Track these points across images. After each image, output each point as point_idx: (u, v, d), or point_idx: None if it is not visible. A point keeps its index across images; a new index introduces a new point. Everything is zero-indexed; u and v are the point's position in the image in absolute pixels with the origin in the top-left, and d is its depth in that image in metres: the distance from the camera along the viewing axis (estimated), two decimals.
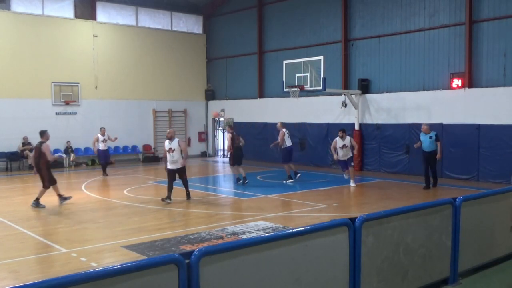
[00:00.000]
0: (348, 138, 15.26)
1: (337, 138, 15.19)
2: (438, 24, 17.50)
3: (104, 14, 23.97)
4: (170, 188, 12.50)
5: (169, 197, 12.48)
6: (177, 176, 12.70)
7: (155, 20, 25.66)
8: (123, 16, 24.63)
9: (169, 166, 12.53)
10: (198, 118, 26.82)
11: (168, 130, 13.06)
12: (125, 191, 14.56)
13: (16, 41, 21.08)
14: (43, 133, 12.22)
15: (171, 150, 12.45)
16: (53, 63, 21.91)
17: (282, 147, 16.40)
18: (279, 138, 16.47)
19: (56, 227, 10.05)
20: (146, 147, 24.79)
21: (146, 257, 7.35)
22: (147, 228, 9.88)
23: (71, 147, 21.99)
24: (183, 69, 26.13)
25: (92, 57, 23.00)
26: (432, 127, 17.14)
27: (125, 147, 24.09)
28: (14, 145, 20.80)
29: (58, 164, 20.08)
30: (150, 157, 24.38)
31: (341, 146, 15.11)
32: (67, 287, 3.11)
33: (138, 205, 12.35)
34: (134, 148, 24.49)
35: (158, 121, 25.29)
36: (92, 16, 23.30)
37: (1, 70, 20.68)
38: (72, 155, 21.81)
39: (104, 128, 19.25)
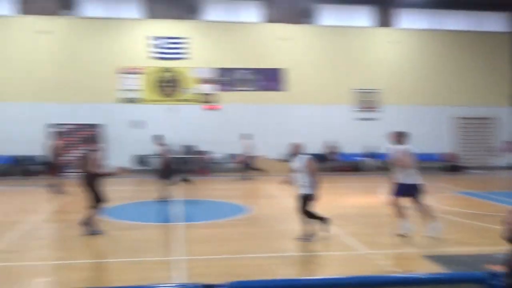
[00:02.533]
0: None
1: None
2: None
3: (401, 20, 24.05)
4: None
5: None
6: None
7: (457, 21, 24.37)
8: (421, 21, 24.34)
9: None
10: (504, 126, 24.25)
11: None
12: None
13: (320, 51, 23.13)
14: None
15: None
16: (352, 71, 23.23)
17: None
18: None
19: (366, 228, 10.38)
20: (447, 156, 23.48)
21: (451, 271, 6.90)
22: (449, 240, 9.26)
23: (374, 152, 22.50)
24: (483, 72, 24.17)
25: (389, 64, 23.50)
26: None
27: (430, 155, 23.19)
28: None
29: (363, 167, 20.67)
30: (449, 166, 23.02)
31: None
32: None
33: (441, 216, 11.64)
34: (430, 155, 23.44)
35: (460, 129, 23.90)
36: (389, 23, 23.69)
37: (315, 79, 22.88)
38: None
39: None
